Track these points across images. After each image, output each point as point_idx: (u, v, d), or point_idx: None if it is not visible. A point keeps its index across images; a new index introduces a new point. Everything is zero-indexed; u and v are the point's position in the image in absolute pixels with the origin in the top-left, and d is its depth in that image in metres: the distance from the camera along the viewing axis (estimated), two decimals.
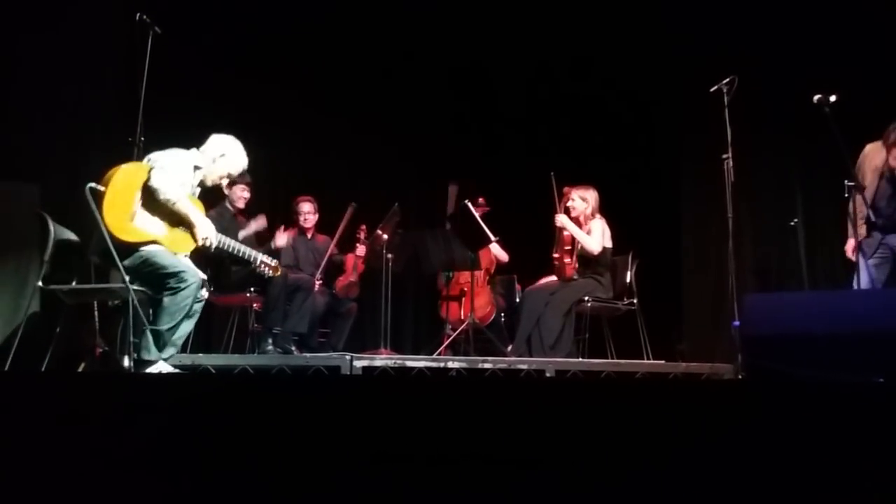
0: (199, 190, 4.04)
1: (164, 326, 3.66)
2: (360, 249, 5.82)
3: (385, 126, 6.86)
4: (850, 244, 4.43)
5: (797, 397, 2.07)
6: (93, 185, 3.56)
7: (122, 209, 3.64)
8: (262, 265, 4.27)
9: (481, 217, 5.40)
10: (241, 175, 4.35)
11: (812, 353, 3.09)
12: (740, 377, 4.17)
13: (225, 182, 4.20)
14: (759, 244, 5.96)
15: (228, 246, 4.07)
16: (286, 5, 6.26)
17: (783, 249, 5.83)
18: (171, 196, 3.71)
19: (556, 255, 5.30)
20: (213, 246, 3.91)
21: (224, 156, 4.02)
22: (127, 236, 3.63)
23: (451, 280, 5.97)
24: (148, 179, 3.70)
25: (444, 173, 5.92)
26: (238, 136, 4.09)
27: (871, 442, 1.89)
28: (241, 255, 4.19)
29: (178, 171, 3.82)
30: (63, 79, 5.39)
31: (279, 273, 4.47)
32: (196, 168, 3.96)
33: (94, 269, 4.80)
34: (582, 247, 5.21)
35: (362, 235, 5.86)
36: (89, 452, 1.91)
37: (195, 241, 3.85)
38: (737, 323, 4.36)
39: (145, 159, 3.84)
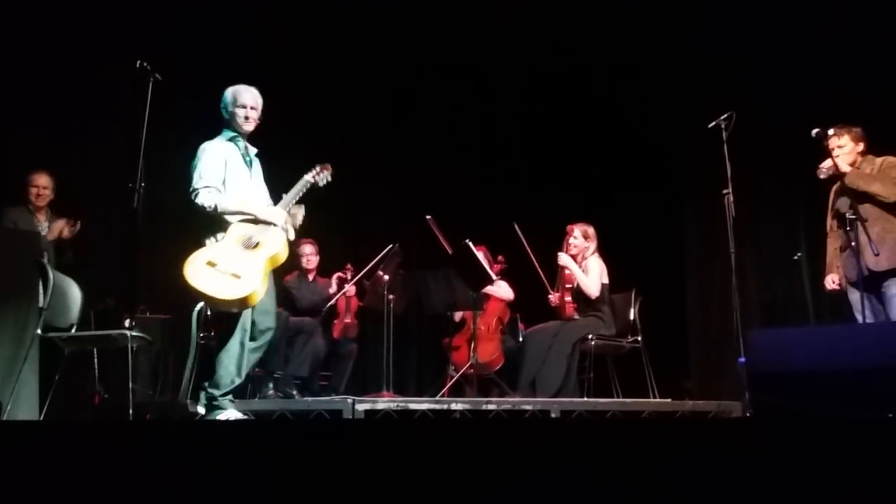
0: (254, 156, 3.95)
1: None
2: (350, 290, 5.79)
3: (385, 165, 6.91)
4: (833, 277, 4.46)
5: (806, 434, 2.04)
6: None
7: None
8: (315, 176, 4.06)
9: (498, 274, 5.38)
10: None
11: (820, 388, 3.06)
12: (748, 415, 4.11)
13: (256, 115, 3.91)
14: (763, 279, 5.93)
15: (294, 198, 3.96)
16: (285, 51, 6.34)
17: (788, 284, 5.79)
18: (218, 205, 3.70)
19: (557, 294, 5.29)
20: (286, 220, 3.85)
21: (235, 100, 3.87)
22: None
23: (464, 327, 5.88)
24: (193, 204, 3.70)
25: (443, 212, 5.89)
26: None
27: (881, 479, 1.86)
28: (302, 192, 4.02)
29: (211, 175, 3.74)
30: (66, 126, 5.45)
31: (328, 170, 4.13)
32: (232, 138, 3.86)
33: (94, 316, 4.80)
34: (579, 286, 5.22)
35: (348, 275, 5.80)
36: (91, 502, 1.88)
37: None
38: (743, 359, 4.32)
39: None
